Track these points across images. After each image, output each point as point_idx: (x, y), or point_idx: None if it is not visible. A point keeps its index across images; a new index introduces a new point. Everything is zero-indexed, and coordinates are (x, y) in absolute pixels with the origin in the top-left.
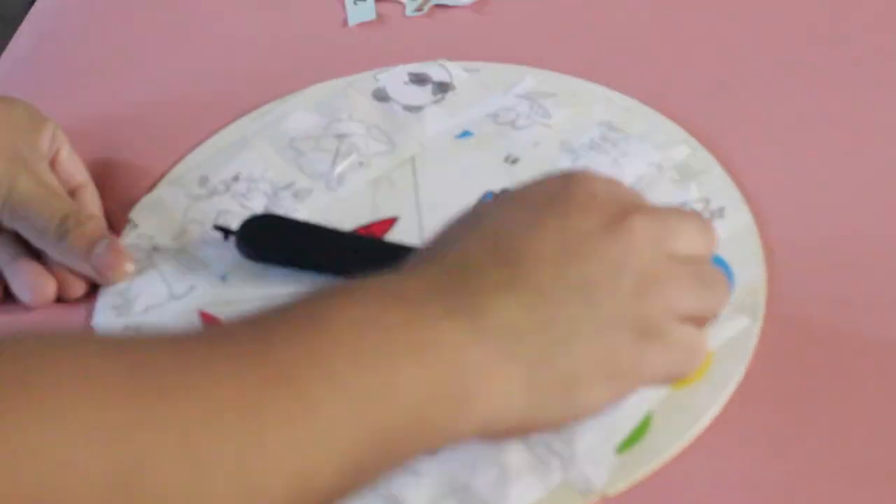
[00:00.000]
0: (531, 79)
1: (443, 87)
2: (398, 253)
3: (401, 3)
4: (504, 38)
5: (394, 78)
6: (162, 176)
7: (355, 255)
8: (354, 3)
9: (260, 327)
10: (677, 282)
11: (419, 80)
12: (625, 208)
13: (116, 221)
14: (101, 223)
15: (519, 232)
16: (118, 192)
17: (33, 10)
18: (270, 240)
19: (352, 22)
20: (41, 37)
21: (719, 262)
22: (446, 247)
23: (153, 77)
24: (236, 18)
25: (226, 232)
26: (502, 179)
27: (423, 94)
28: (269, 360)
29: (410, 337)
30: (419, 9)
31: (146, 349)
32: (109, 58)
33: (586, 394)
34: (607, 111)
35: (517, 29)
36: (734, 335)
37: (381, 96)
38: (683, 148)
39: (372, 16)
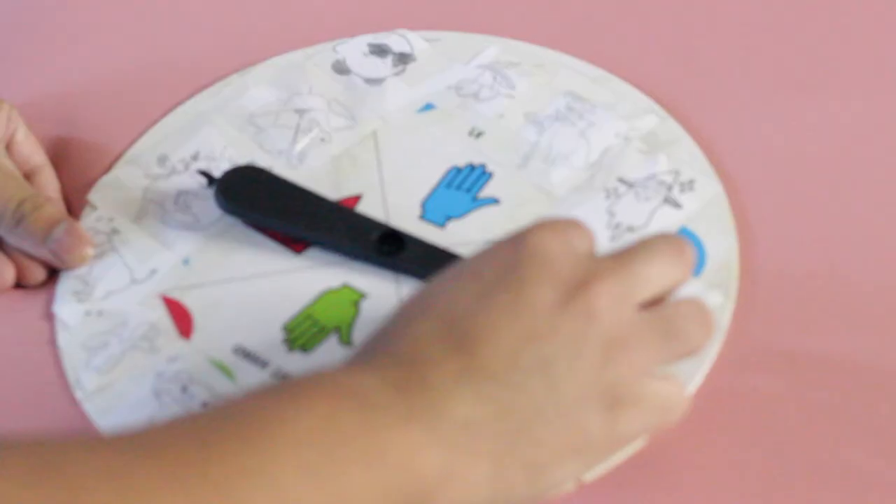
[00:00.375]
0: (494, 48)
1: (403, 59)
2: (372, 228)
3: None
4: (465, 7)
5: (353, 49)
6: (120, 155)
7: (330, 223)
8: None
9: (201, 436)
10: (645, 339)
11: (379, 50)
12: (584, 273)
13: (74, 203)
14: (60, 206)
15: (472, 312)
16: (75, 172)
17: None
18: (249, 193)
19: None
20: None
21: (689, 236)
22: (399, 332)
23: (108, 52)
24: None
25: (209, 178)
26: (467, 153)
27: (383, 66)
28: (210, 475)
29: (363, 442)
30: None
31: (83, 465)
32: (62, 33)
33: (555, 473)
34: (573, 81)
35: None
36: None
37: (340, 69)
38: (651, 118)
39: None
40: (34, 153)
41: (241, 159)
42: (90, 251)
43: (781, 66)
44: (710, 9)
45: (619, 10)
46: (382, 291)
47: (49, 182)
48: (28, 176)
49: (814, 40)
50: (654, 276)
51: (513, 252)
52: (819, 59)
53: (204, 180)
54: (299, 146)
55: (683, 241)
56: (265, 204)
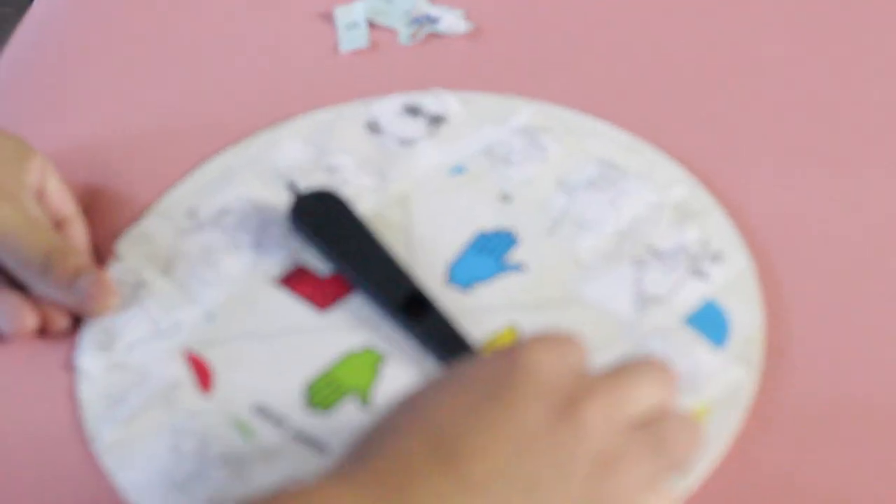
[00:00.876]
0: (527, 111)
1: (436, 120)
2: (403, 284)
3: (394, 31)
4: (500, 69)
5: (387, 108)
6: (149, 207)
7: (373, 268)
8: (347, 29)
9: None
10: (634, 456)
11: (413, 111)
12: (575, 390)
13: (102, 253)
14: (87, 257)
15: (461, 425)
16: (104, 222)
17: (13, 40)
18: (319, 217)
19: (344, 49)
20: (25, 65)
21: (715, 309)
22: (383, 443)
23: (141, 105)
24: (225, 44)
25: (295, 192)
26: (496, 218)
27: (416, 127)
28: None
29: None
30: (413, 36)
31: None
32: (96, 86)
33: None
34: (606, 148)
35: (513, 59)
36: (728, 388)
37: (373, 128)
38: (683, 187)
39: (365, 43)
40: (65, 204)
41: (271, 215)
42: (116, 301)
43: (817, 140)
44: (748, 82)
45: (656, 78)
46: (404, 356)
47: (78, 233)
48: (58, 226)
49: (852, 116)
50: (642, 396)
51: (506, 366)
52: (856, 135)
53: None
54: None
55: (668, 365)
56: (327, 231)
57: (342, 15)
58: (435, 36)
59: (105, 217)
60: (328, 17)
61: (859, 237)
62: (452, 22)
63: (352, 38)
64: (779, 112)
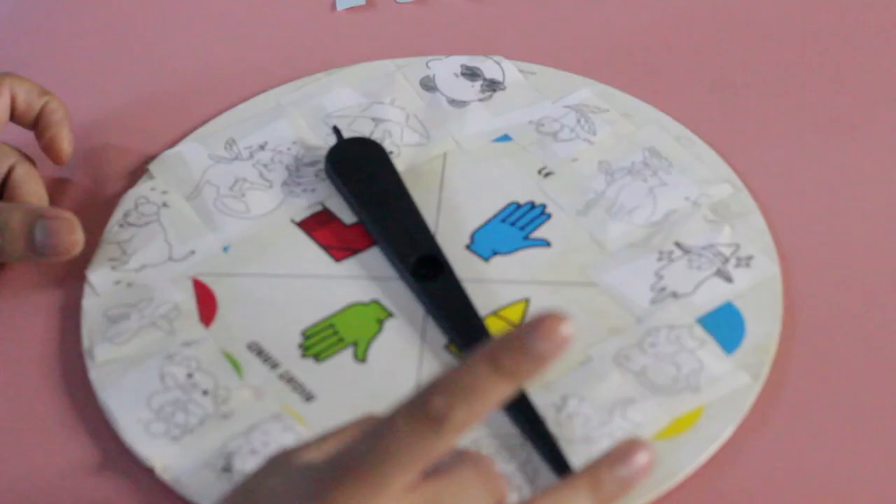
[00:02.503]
0: (587, 90)
1: (492, 85)
2: (419, 244)
3: None
4: (567, 43)
5: (445, 67)
6: (189, 132)
7: (394, 222)
8: None
9: None
10: None
11: (471, 73)
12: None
13: (134, 172)
14: (36, 202)
15: None
16: (142, 139)
17: None
18: (354, 164)
19: (340, 6)
20: None
21: (733, 312)
22: None
23: (206, 35)
24: None
25: (338, 133)
26: (531, 191)
27: (471, 90)
28: None
29: None
30: None
31: None
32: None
33: None
34: (656, 137)
35: (529, 26)
36: (731, 391)
37: (428, 85)
38: (726, 187)
39: (362, 1)
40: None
41: (307, 157)
42: (79, 236)
43: (869, 161)
44: (815, 96)
45: (719, 73)
46: (409, 317)
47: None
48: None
49: None
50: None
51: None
52: None
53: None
54: None
55: (493, 469)
56: (359, 178)
57: None
58: None
59: (144, 134)
60: None
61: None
62: None
63: None
64: (836, 131)
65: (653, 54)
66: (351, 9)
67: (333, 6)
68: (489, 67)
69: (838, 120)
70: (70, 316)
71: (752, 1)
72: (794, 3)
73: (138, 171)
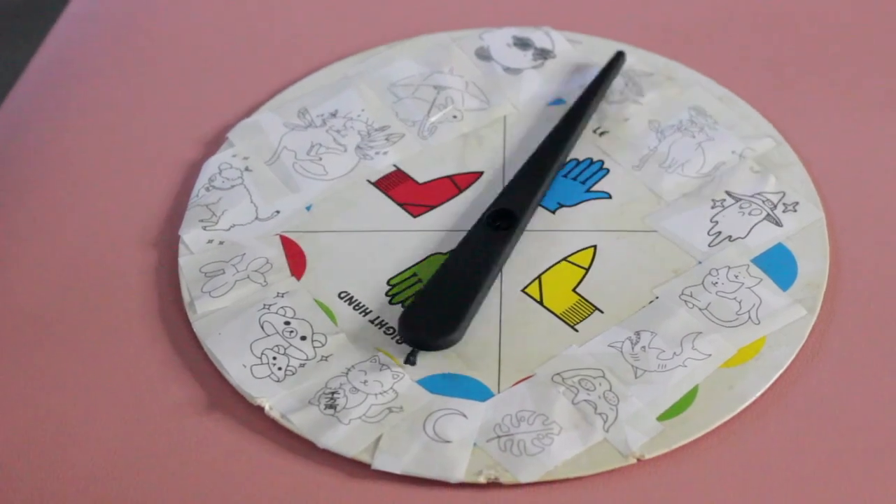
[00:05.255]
0: (632, 57)
1: (544, 54)
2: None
3: None
4: (611, 14)
5: (498, 38)
6: (263, 102)
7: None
8: None
9: None
10: None
11: (522, 43)
12: None
13: (211, 141)
14: None
15: None
16: (219, 110)
17: None
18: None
19: None
20: None
21: (785, 252)
22: None
23: (265, 11)
24: None
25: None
26: (588, 149)
27: (523, 58)
28: None
29: None
30: None
31: None
32: None
33: None
34: (700, 97)
35: (617, 4)
36: (789, 323)
37: (483, 55)
38: (768, 141)
39: None
40: None
41: (376, 123)
42: None
43: None
44: (848, 51)
45: (757, 36)
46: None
47: None
48: None
49: None
50: None
51: None
52: None
53: (317, 168)
54: (432, 119)
55: None
56: None
57: None
58: None
59: (222, 106)
60: None
61: None
62: None
63: None
64: (876, 87)
65: (690, 21)
66: None
67: None
68: (539, 37)
69: (871, 77)
70: (165, 274)
71: None
72: None
73: (215, 140)
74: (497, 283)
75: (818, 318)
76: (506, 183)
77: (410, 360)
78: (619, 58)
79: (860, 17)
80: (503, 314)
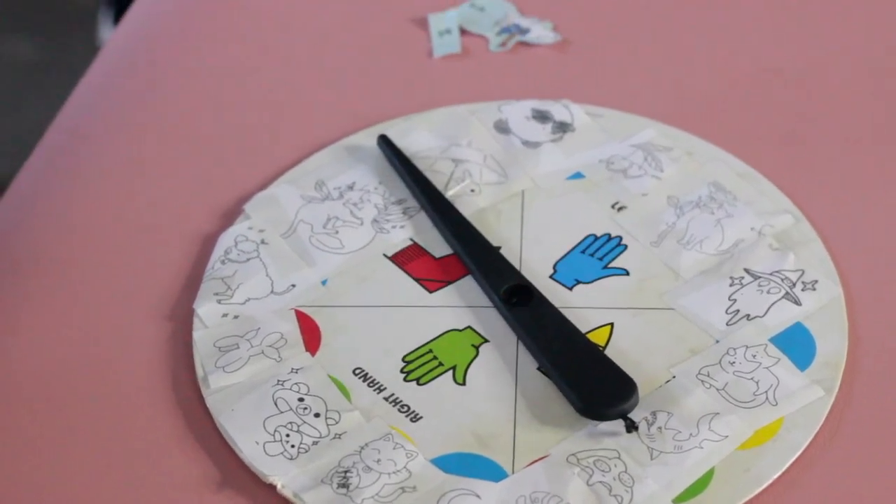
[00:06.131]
0: (651, 130)
1: (563, 127)
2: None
3: (485, 38)
4: (631, 87)
5: (517, 111)
6: (280, 174)
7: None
8: (440, 35)
9: None
10: None
11: (541, 116)
12: None
13: (226, 213)
14: None
15: None
16: (237, 184)
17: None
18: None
19: (437, 54)
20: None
21: (803, 332)
22: None
23: (283, 84)
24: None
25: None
26: (606, 224)
27: (542, 132)
28: None
29: None
30: (503, 44)
31: None
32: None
33: None
34: (720, 172)
35: (600, 71)
36: (807, 404)
37: (502, 128)
38: (787, 218)
39: (457, 49)
40: None
41: (393, 196)
42: None
43: None
44: (864, 127)
45: (776, 111)
46: (502, 342)
47: None
48: None
49: None
50: None
51: None
52: None
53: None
54: (450, 192)
55: None
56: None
57: (435, 22)
58: (523, 45)
59: (239, 178)
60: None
61: None
62: (541, 33)
63: (445, 44)
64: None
65: (712, 96)
66: (414, 56)
67: (429, 53)
68: (558, 111)
69: (891, 152)
70: (179, 347)
71: (795, 46)
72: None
73: (231, 212)
74: (512, 360)
75: (836, 400)
76: (522, 257)
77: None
78: (381, 141)
79: (878, 91)
80: (518, 392)
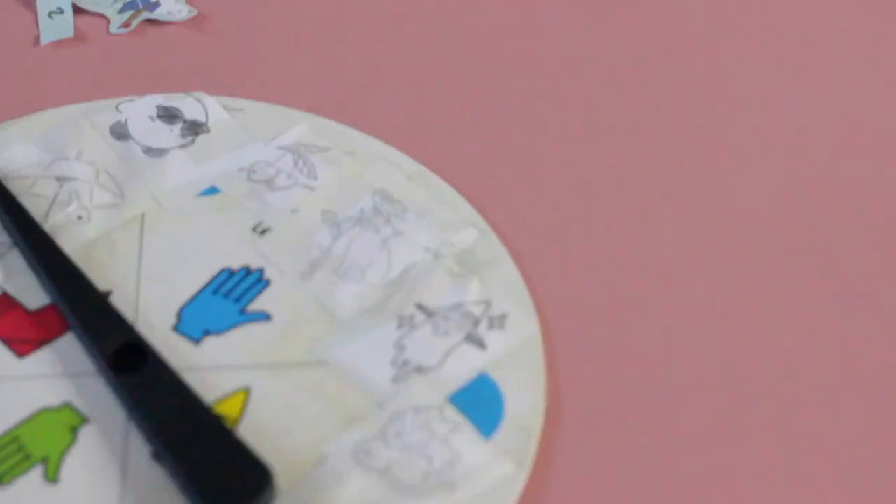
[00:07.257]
0: (304, 126)
1: (194, 128)
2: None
3: (105, 18)
4: (280, 75)
5: (139, 110)
6: None
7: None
8: (49, 16)
9: None
10: None
11: (169, 115)
12: None
13: None
14: None
15: None
16: None
17: None
18: None
19: (45, 40)
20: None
21: (490, 385)
22: None
23: None
24: None
25: None
26: (246, 253)
27: (169, 135)
28: None
29: None
30: (126, 24)
31: None
32: None
33: None
34: (387, 176)
35: (243, 53)
36: (492, 487)
37: (120, 133)
38: (471, 232)
39: (70, 33)
40: None
41: None
42: None
43: (624, 201)
44: (557, 133)
45: (453, 100)
46: (109, 419)
47: None
48: None
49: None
50: None
51: None
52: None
53: None
54: (50, 223)
55: None
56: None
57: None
58: (151, 23)
59: None
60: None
61: (664, 321)
62: (172, 7)
63: (55, 27)
64: (586, 165)
65: (378, 87)
66: (15, 45)
67: (36, 40)
68: (189, 106)
69: (591, 153)
70: None
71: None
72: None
73: None
74: (121, 445)
75: (531, 478)
76: (139, 304)
77: None
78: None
79: (560, 82)
80: (125, 489)
